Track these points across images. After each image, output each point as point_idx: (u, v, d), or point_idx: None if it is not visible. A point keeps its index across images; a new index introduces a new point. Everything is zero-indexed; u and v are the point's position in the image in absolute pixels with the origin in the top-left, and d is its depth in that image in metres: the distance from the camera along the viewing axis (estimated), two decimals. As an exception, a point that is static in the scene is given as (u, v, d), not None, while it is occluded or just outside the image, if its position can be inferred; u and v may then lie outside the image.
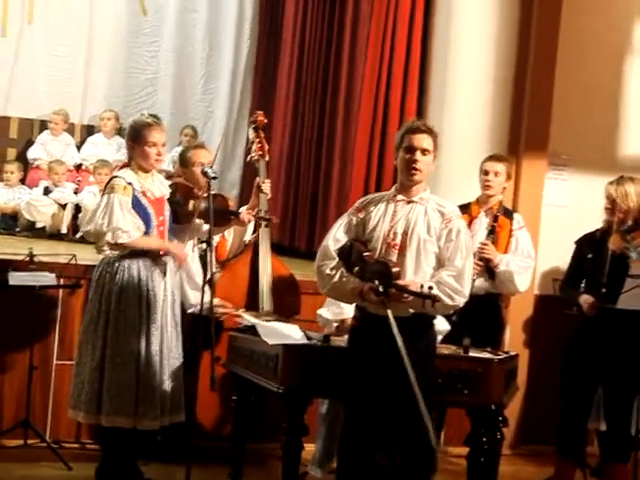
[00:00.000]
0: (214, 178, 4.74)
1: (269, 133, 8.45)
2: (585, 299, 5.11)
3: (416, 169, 4.23)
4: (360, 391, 4.22)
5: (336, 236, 4.31)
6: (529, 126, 6.67)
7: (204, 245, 4.59)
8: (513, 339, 6.54)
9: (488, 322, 5.76)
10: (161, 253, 5.00)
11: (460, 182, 6.28)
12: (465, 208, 5.64)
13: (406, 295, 4.08)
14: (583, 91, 6.80)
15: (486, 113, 6.68)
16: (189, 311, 5.29)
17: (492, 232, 5.67)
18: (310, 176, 8.17)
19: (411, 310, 4.17)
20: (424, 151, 4.24)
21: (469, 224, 5.68)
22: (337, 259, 4.24)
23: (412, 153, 4.23)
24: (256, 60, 9.26)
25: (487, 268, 5.65)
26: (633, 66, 6.96)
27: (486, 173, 5.74)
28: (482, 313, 5.63)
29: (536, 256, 6.16)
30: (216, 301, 5.39)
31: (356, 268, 4.17)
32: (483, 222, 5.76)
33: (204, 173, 4.80)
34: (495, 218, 5.69)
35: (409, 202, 4.29)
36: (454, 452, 6.03)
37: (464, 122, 6.67)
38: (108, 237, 4.84)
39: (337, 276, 4.25)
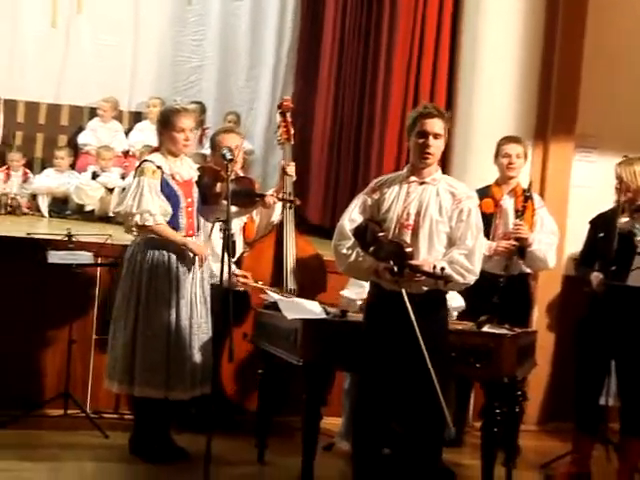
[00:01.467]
0: (230, 160, 4.93)
1: (311, 118, 8.67)
2: (595, 276, 5.17)
3: (429, 153, 4.35)
4: (375, 364, 4.34)
5: (352, 216, 4.45)
6: (557, 108, 6.71)
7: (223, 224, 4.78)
8: (541, 318, 6.68)
9: (519, 301, 5.88)
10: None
11: (488, 165, 6.38)
12: (486, 191, 5.79)
13: (419, 275, 4.23)
14: (611, 73, 6.79)
15: (514, 96, 6.74)
16: (211, 282, 5.42)
17: (523, 212, 5.78)
18: (350, 159, 8.29)
19: (424, 288, 4.31)
20: (436, 135, 4.35)
21: (494, 206, 5.83)
22: (353, 239, 4.38)
23: (425, 138, 4.34)
24: (298, 48, 9.34)
25: (518, 248, 5.76)
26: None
27: (509, 156, 5.84)
28: (515, 292, 5.77)
29: (564, 237, 6.26)
30: (239, 272, 5.65)
31: (371, 248, 4.30)
32: (508, 203, 5.87)
33: (222, 156, 4.97)
34: (526, 199, 5.77)
35: (422, 183, 4.40)
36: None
37: (493, 105, 6.76)
38: (137, 218, 5.07)
39: (353, 256, 4.39)
